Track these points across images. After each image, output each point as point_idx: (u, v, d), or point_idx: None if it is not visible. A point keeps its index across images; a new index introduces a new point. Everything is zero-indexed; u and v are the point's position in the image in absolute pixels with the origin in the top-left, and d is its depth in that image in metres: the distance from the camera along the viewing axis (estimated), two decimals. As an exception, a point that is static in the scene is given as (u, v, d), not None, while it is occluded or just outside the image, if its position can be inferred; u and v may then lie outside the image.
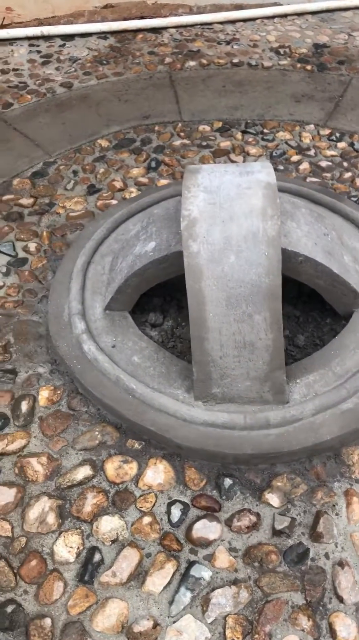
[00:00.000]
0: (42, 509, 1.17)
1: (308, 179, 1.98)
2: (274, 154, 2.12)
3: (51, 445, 1.28)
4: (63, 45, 2.91)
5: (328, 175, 2.00)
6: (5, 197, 1.95)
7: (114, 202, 1.92)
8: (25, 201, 1.93)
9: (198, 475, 1.22)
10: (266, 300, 1.20)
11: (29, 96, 2.51)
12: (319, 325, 1.51)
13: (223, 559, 1.09)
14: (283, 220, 1.33)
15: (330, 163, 2.06)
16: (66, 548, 1.12)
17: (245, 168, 1.36)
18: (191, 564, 1.09)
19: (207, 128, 2.27)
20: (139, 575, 1.08)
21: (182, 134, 2.24)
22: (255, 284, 1.20)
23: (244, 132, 2.25)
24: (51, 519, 1.16)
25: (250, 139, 2.20)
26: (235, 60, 2.72)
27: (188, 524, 1.14)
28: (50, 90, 2.54)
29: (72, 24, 3.05)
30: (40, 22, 3.10)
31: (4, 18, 3.02)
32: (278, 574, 1.07)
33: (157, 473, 1.22)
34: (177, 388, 1.31)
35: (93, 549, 1.12)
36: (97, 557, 1.11)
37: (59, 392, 1.38)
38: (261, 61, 2.71)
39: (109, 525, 1.15)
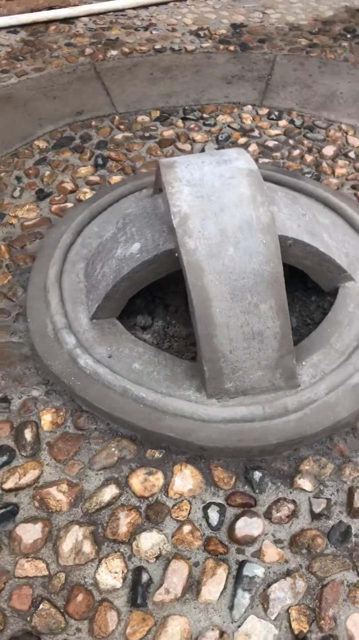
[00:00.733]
0: (75, 538, 1.11)
1: (260, 160, 1.99)
2: (220, 138, 2.10)
3: (67, 470, 1.21)
4: (-28, 43, 2.72)
5: (278, 154, 2.02)
6: None
7: (69, 205, 1.83)
8: (-27, 215, 1.80)
9: (226, 473, 1.20)
10: (270, 288, 1.19)
11: None
12: (305, 304, 1.53)
13: (271, 552, 1.09)
14: (268, 205, 1.32)
15: (277, 142, 2.08)
16: (110, 574, 1.07)
17: (221, 157, 1.33)
18: (241, 564, 1.08)
19: (146, 118, 2.22)
20: (192, 586, 1.05)
21: (122, 126, 2.17)
22: (257, 273, 1.19)
23: (184, 119, 2.21)
24: (87, 547, 1.10)
25: (192, 125, 2.17)
26: (157, 46, 2.67)
27: (229, 524, 1.13)
28: (-30, 93, 2.37)
29: (-25, 19, 2.85)
30: None
31: None
32: (327, 556, 1.08)
33: (185, 479, 1.19)
34: (187, 389, 1.28)
35: (138, 570, 1.07)
36: (144, 577, 1.06)
37: (61, 413, 1.30)
38: (183, 45, 2.68)
39: (149, 541, 1.11)
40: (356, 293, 1.45)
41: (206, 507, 1.15)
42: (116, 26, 2.84)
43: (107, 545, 1.11)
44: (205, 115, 2.23)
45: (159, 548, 1.10)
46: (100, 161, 2.00)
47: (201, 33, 2.77)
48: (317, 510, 1.14)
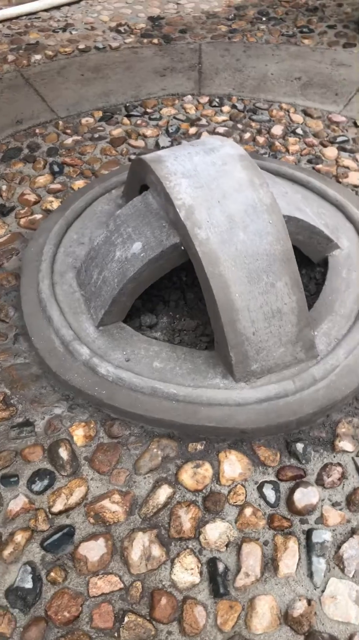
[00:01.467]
0: (142, 545, 1.10)
1: (215, 147, 2.01)
2: (170, 130, 2.11)
3: (113, 480, 1.19)
4: None
5: (230, 139, 2.06)
6: None
7: (37, 216, 1.78)
8: None
9: (270, 451, 1.23)
10: (283, 265, 1.23)
11: None
12: (297, 278, 1.57)
13: (332, 516, 1.13)
14: (259, 187, 1.35)
15: (226, 128, 2.12)
16: (186, 572, 1.07)
17: (205, 146, 1.35)
18: (308, 533, 1.11)
19: (90, 120, 2.18)
20: (268, 564, 1.08)
21: (68, 130, 2.13)
22: (269, 253, 1.21)
23: (129, 116, 2.20)
24: (156, 551, 1.09)
25: (139, 122, 2.17)
26: (81, 46, 2.63)
27: (286, 498, 1.16)
28: None
29: None
30: None
31: None
32: (384, 507, 1.14)
33: (233, 464, 1.21)
34: (213, 378, 1.29)
35: (213, 561, 1.08)
36: (220, 566, 1.07)
37: (91, 425, 1.27)
38: (107, 43, 2.65)
39: (215, 531, 1.11)
40: (344, 259, 1.52)
41: (260, 487, 1.18)
42: (33, 30, 2.76)
43: (174, 544, 1.10)
44: (148, 110, 2.23)
45: (227, 536, 1.11)
46: (56, 168, 1.95)
47: (122, 29, 2.75)
48: (363, 467, 1.19)
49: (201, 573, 1.07)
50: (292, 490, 1.17)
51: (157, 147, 2.03)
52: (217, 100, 2.27)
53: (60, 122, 2.17)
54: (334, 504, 1.15)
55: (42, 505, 1.16)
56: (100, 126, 2.15)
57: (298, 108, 2.22)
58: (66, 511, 1.15)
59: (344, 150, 2.00)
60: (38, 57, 2.56)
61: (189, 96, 2.30)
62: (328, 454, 1.22)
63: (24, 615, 1.02)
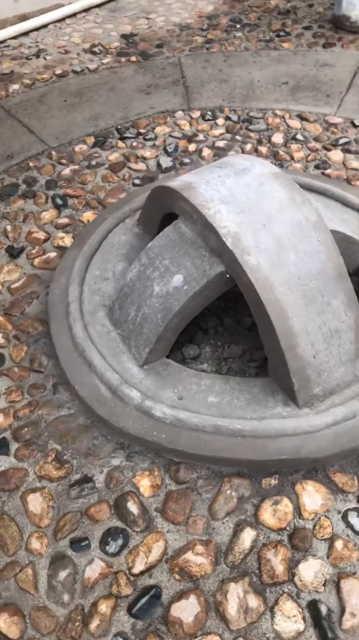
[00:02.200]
0: (237, 597, 1.03)
1: (219, 162, 1.97)
2: (169, 150, 2.06)
3: (191, 530, 1.12)
4: None
5: (232, 152, 2.02)
6: None
7: (52, 254, 1.70)
8: None
9: (346, 476, 1.18)
10: (338, 282, 1.18)
11: None
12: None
13: None
14: (295, 203, 1.31)
15: (225, 141, 2.08)
16: (289, 620, 1.01)
17: (234, 167, 1.30)
18: None
19: (84, 147, 2.12)
20: (372, 599, 1.02)
21: (63, 160, 2.06)
22: (322, 272, 1.17)
23: (122, 139, 2.14)
24: (252, 601, 1.03)
25: (135, 144, 2.11)
26: (58, 72, 2.56)
27: (375, 525, 1.11)
28: None
29: None
30: None
31: None
32: None
33: (312, 496, 1.15)
34: (274, 407, 1.24)
35: (314, 604, 1.02)
36: (323, 609, 1.02)
37: (156, 473, 1.21)
38: (84, 65, 2.59)
39: (310, 571, 1.06)
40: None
41: (344, 516, 1.13)
42: (4, 59, 2.68)
43: (270, 591, 1.04)
44: (141, 131, 2.17)
45: (322, 574, 1.06)
46: (59, 201, 1.88)
47: (97, 49, 2.69)
48: None
49: (304, 619, 1.01)
50: (379, 515, 1.12)
51: (160, 168, 1.98)
52: (210, 113, 2.23)
53: (53, 153, 2.09)
54: None
55: (121, 568, 1.08)
56: (95, 152, 2.08)
57: (293, 113, 2.19)
58: (148, 570, 1.08)
59: (349, 152, 1.97)
60: (16, 86, 2.48)
61: (180, 112, 2.25)
62: None
63: None
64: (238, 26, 2.81)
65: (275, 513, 1.13)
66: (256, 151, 2.01)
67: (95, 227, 1.69)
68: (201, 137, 2.11)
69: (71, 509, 1.17)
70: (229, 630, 1.01)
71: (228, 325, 1.47)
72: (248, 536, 1.11)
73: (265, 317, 1.16)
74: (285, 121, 2.15)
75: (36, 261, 1.68)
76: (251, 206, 1.19)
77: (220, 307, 1.50)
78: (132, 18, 2.94)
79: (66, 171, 2.00)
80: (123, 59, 2.61)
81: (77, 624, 1.02)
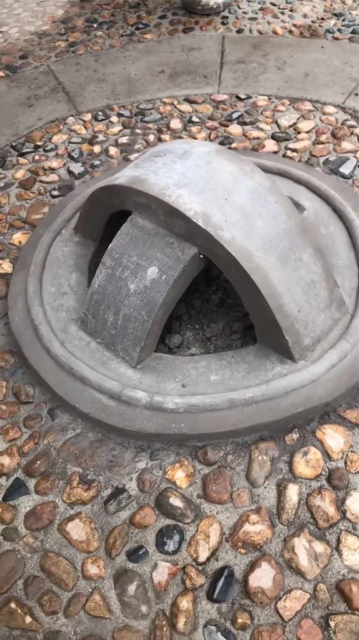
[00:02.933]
0: (305, 550, 1.08)
1: (131, 157, 1.98)
2: (74, 156, 2.03)
3: (238, 503, 1.15)
4: None
5: (139, 146, 2.03)
6: None
7: (-6, 284, 1.61)
8: None
9: (356, 410, 1.27)
10: (303, 237, 1.26)
11: None
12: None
13: None
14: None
15: (127, 136, 2.09)
16: (356, 552, 1.07)
17: (174, 153, 1.33)
18: None
19: (-17, 171, 2.02)
20: None
21: (-33, 189, 1.95)
22: (288, 231, 1.24)
23: (22, 155, 2.07)
24: (318, 547, 1.08)
25: (37, 157, 2.05)
26: None
27: None
28: None
29: None
30: None
31: None
32: None
33: (333, 437, 1.23)
34: (272, 368, 1.29)
35: (371, 530, 1.10)
36: (380, 531, 1.09)
37: (185, 462, 1.21)
38: None
39: (357, 504, 1.13)
40: (315, 218, 1.59)
41: (367, 447, 1.21)
42: None
43: (329, 533, 1.10)
44: (38, 143, 2.11)
45: (368, 502, 1.13)
46: (-20, 230, 1.78)
47: None
48: None
49: (367, 548, 1.08)
50: None
51: (72, 175, 1.94)
52: (101, 113, 2.22)
53: None
54: None
55: (187, 561, 1.08)
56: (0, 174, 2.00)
57: (180, 99, 2.25)
58: (213, 555, 1.09)
59: (245, 123, 2.07)
60: None
61: (71, 118, 2.22)
62: None
63: (242, 674, 0.96)
64: (95, 25, 2.81)
65: (307, 463, 1.19)
66: (159, 140, 2.05)
67: (33, 245, 1.63)
68: (101, 137, 2.10)
69: (115, 524, 1.14)
70: (307, 580, 1.05)
71: (199, 307, 1.50)
72: (292, 491, 1.15)
73: (250, 285, 1.20)
74: (175, 107, 2.20)
75: (-20, 295, 1.59)
76: (207, 184, 1.22)
77: (184, 293, 1.52)
78: (-17, 34, 2.83)
79: (-25, 199, 1.90)
80: (-10, 76, 2.51)
81: (164, 629, 1.01)
